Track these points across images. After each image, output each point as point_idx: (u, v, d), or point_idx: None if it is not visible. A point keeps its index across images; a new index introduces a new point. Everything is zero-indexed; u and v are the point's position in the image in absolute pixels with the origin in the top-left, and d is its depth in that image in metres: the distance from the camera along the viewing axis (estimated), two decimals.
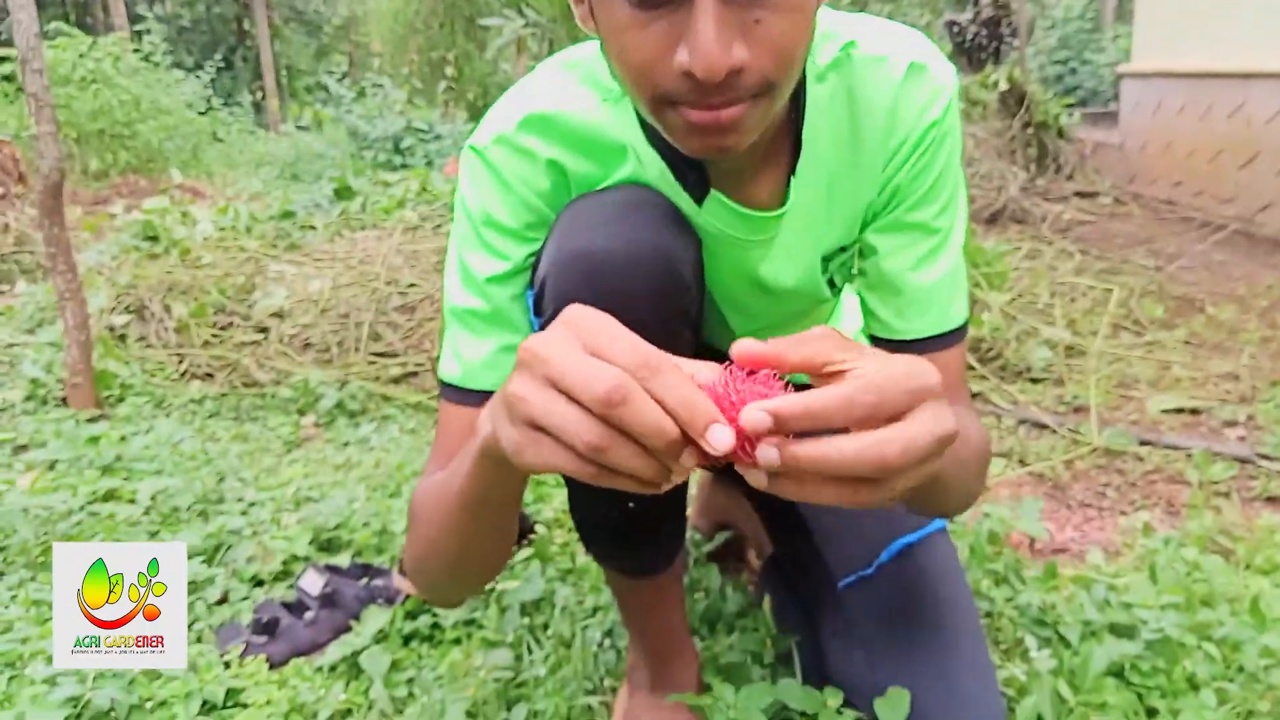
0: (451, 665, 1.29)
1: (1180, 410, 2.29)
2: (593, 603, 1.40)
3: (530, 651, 1.30)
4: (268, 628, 1.38)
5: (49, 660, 1.25)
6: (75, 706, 1.15)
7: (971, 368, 2.51)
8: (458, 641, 1.37)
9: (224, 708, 1.22)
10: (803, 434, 0.51)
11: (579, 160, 0.86)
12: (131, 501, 1.84)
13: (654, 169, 0.86)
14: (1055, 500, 1.87)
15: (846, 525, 1.09)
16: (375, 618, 1.38)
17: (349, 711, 1.23)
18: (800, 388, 0.52)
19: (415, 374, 2.71)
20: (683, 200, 0.87)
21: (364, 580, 1.50)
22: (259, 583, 1.60)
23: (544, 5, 5.43)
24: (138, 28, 11.29)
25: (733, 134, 0.70)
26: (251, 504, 1.87)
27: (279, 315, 3.01)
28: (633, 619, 1.13)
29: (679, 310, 0.81)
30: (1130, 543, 1.60)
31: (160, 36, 9.88)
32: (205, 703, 1.21)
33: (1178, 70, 5.01)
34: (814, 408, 0.50)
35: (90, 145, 7.85)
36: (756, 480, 0.53)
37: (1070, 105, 6.14)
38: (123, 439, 2.21)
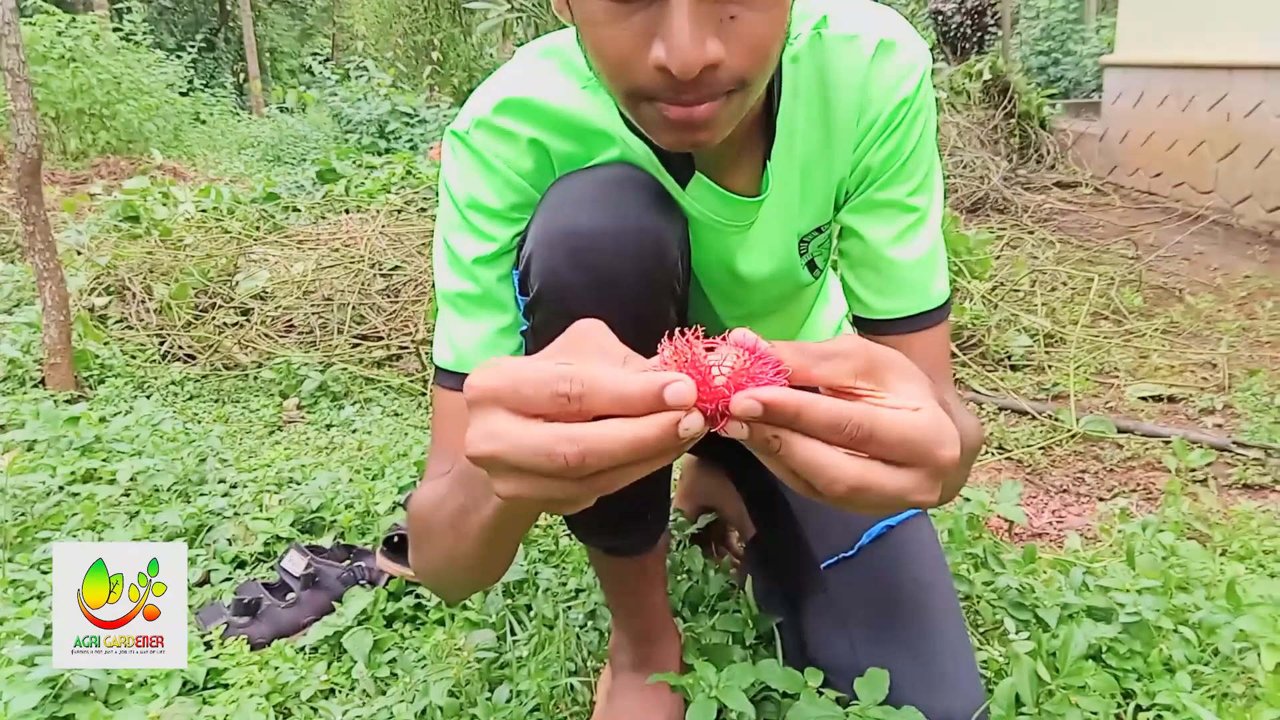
0: (434, 646, 1.29)
1: (1158, 398, 2.32)
2: (575, 584, 1.41)
3: (513, 632, 1.30)
4: (249, 608, 1.37)
5: (26, 640, 1.24)
6: (54, 687, 1.15)
7: (953, 355, 2.52)
8: (441, 622, 1.37)
9: (205, 688, 1.22)
10: None
11: (560, 140, 0.86)
12: (111, 482, 1.83)
13: (638, 152, 0.86)
14: (1034, 485, 1.89)
15: (829, 507, 1.09)
16: (358, 599, 1.38)
17: (331, 692, 1.24)
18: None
19: (399, 356, 2.70)
20: (667, 182, 0.87)
21: (347, 561, 1.50)
22: (241, 564, 1.60)
23: None
24: (117, 6, 11.14)
25: (706, 130, 0.70)
26: (233, 485, 1.87)
27: (261, 297, 2.99)
28: (616, 599, 1.13)
29: (665, 288, 0.81)
30: (1108, 528, 1.62)
31: (141, 17, 9.73)
32: (186, 683, 1.21)
33: (1160, 61, 5.04)
34: (804, 414, 0.48)
35: (69, 125, 7.74)
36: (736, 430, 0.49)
37: (1053, 96, 6.17)
38: (102, 420, 2.19)
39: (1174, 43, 4.94)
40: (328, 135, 8.25)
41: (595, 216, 0.78)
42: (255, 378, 2.58)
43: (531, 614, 1.34)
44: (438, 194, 0.91)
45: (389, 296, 2.95)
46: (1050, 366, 2.50)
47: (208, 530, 1.66)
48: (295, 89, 10.09)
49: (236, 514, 1.74)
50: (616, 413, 0.47)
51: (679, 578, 1.38)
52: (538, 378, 0.48)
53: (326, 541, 1.61)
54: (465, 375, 0.84)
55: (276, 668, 1.26)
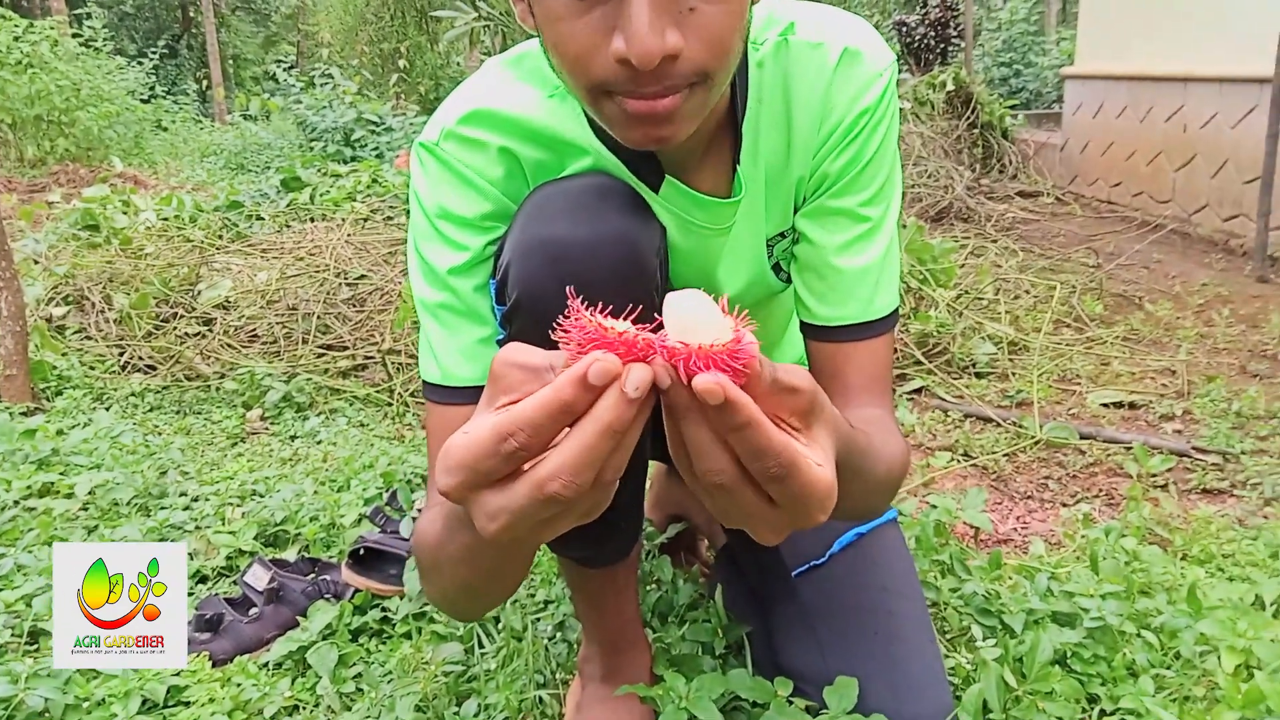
0: (401, 660, 1.28)
1: (1119, 404, 2.35)
2: (544, 596, 1.40)
3: (481, 645, 1.29)
4: (211, 624, 1.35)
5: None
6: (6, 708, 1.12)
7: (919, 362, 2.55)
8: (407, 636, 1.35)
9: (165, 706, 1.20)
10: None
11: (530, 149, 0.86)
12: (69, 496, 1.79)
13: (608, 161, 0.86)
14: (998, 492, 1.91)
15: None
16: (323, 613, 1.36)
17: (295, 708, 1.21)
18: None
19: (364, 366, 2.67)
20: (640, 189, 0.87)
21: (311, 575, 1.48)
22: (202, 578, 1.57)
23: None
24: (77, 11, 10.97)
25: (669, 124, 0.70)
26: (195, 498, 1.84)
27: (224, 307, 2.95)
28: (587, 610, 1.12)
29: (643, 296, 0.81)
30: (1071, 533, 1.64)
31: (101, 23, 9.60)
32: (145, 701, 1.19)
33: (1119, 73, 5.14)
34: (748, 429, 0.46)
35: (26, 131, 7.61)
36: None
37: (1014, 106, 6.27)
38: (60, 432, 2.15)
39: (1132, 55, 5.03)
40: (292, 143, 8.18)
41: (572, 225, 0.78)
42: (218, 389, 2.54)
43: (499, 626, 1.33)
44: (406, 204, 0.91)
45: (355, 306, 2.92)
46: (1014, 374, 2.53)
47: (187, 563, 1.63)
48: (259, 96, 10.01)
49: (198, 527, 1.71)
50: (565, 425, 0.46)
51: (648, 587, 1.38)
52: (483, 450, 0.47)
53: (291, 555, 1.58)
54: (452, 389, 0.86)
55: (239, 684, 1.23)
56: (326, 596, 1.43)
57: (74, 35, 9.06)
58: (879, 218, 0.90)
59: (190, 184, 6.91)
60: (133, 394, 2.52)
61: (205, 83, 16.14)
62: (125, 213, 3.79)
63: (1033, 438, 2.10)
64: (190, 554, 1.61)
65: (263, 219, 4.04)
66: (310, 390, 2.49)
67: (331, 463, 2.02)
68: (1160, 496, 1.81)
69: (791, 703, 0.99)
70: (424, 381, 0.88)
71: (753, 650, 1.16)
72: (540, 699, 1.18)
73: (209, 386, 2.57)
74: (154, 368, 2.70)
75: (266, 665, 1.30)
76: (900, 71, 7.81)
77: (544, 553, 1.48)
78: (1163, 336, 2.85)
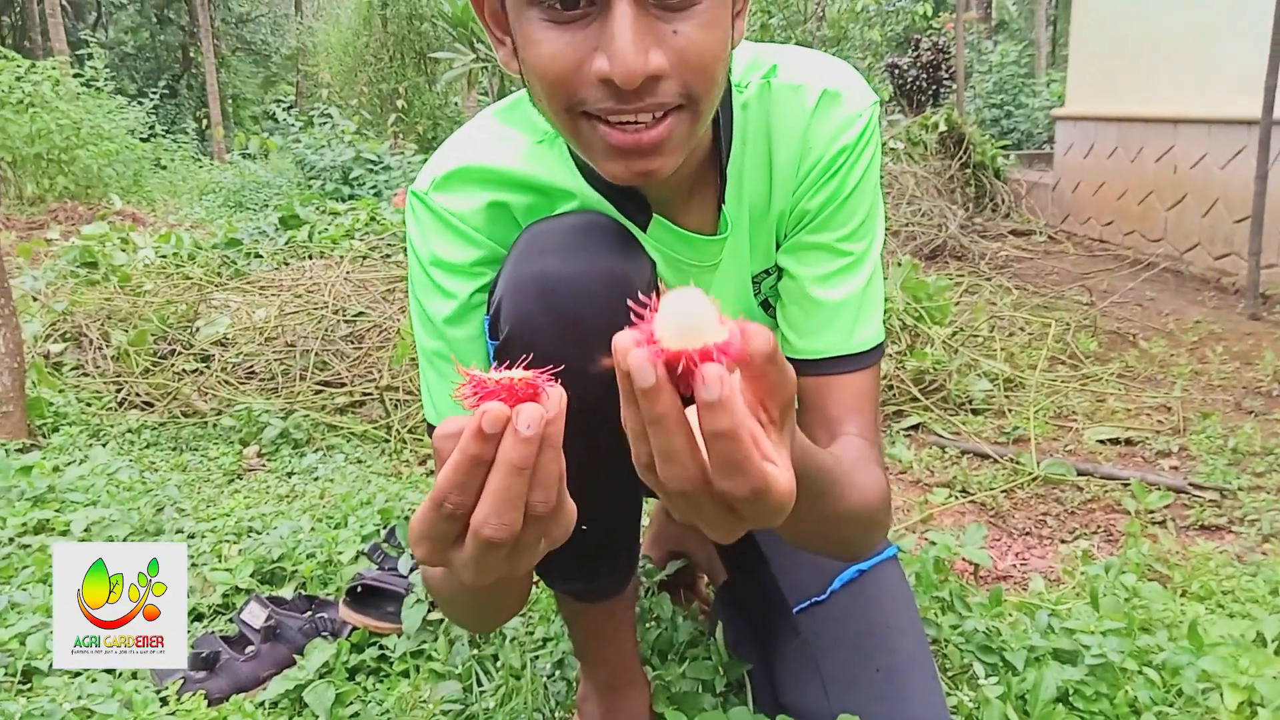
0: (399, 699, 1.27)
1: (1115, 441, 2.36)
2: (542, 634, 1.39)
3: (480, 683, 1.28)
4: (207, 662, 1.34)
5: None
6: None
7: (915, 399, 2.55)
8: (405, 674, 1.34)
9: None
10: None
11: (518, 196, 0.88)
12: (65, 533, 1.78)
13: (593, 203, 0.87)
14: (997, 528, 1.91)
15: (800, 552, 1.10)
16: (320, 651, 1.35)
17: None
18: None
19: (362, 403, 2.67)
20: (630, 227, 0.88)
21: (308, 613, 1.47)
22: (199, 616, 1.56)
23: None
24: (79, 52, 11.10)
25: (656, 156, 0.71)
26: (191, 535, 1.83)
27: (222, 343, 2.95)
28: (585, 646, 1.12)
29: None
30: (1070, 570, 1.64)
31: (102, 63, 9.70)
32: None
33: (1109, 114, 5.21)
34: (733, 440, 0.47)
35: (26, 169, 7.65)
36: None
37: (1006, 147, 6.34)
38: (56, 469, 2.14)
39: (1122, 97, 5.11)
40: (291, 182, 8.23)
41: (563, 261, 0.79)
42: (215, 425, 2.54)
43: (498, 664, 1.32)
44: (403, 242, 0.94)
45: (353, 343, 2.92)
46: (1010, 410, 2.53)
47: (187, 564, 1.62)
48: (258, 135, 10.07)
49: (194, 565, 1.70)
50: (483, 475, 0.50)
51: (647, 625, 1.37)
52: (430, 519, 0.53)
53: (287, 592, 1.57)
54: None
55: None
56: (324, 634, 1.42)
57: (75, 75, 9.14)
58: (860, 253, 0.91)
59: (189, 222, 6.94)
60: (129, 430, 2.51)
61: (205, 122, 16.28)
62: (124, 250, 3.81)
63: (1030, 474, 2.10)
64: (188, 590, 1.60)
65: (261, 256, 4.06)
66: (308, 427, 2.49)
67: (329, 499, 2.01)
68: (1159, 533, 1.81)
69: None
70: (427, 423, 0.92)
71: (754, 688, 1.15)
72: None
73: (206, 423, 2.56)
74: (151, 404, 2.70)
75: (263, 704, 1.29)
76: (892, 113, 7.89)
77: (543, 589, 1.48)
78: (1157, 373, 2.87)
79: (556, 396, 0.50)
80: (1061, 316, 3.30)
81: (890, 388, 2.60)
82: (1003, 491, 2.05)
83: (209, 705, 1.27)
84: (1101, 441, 2.34)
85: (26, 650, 1.36)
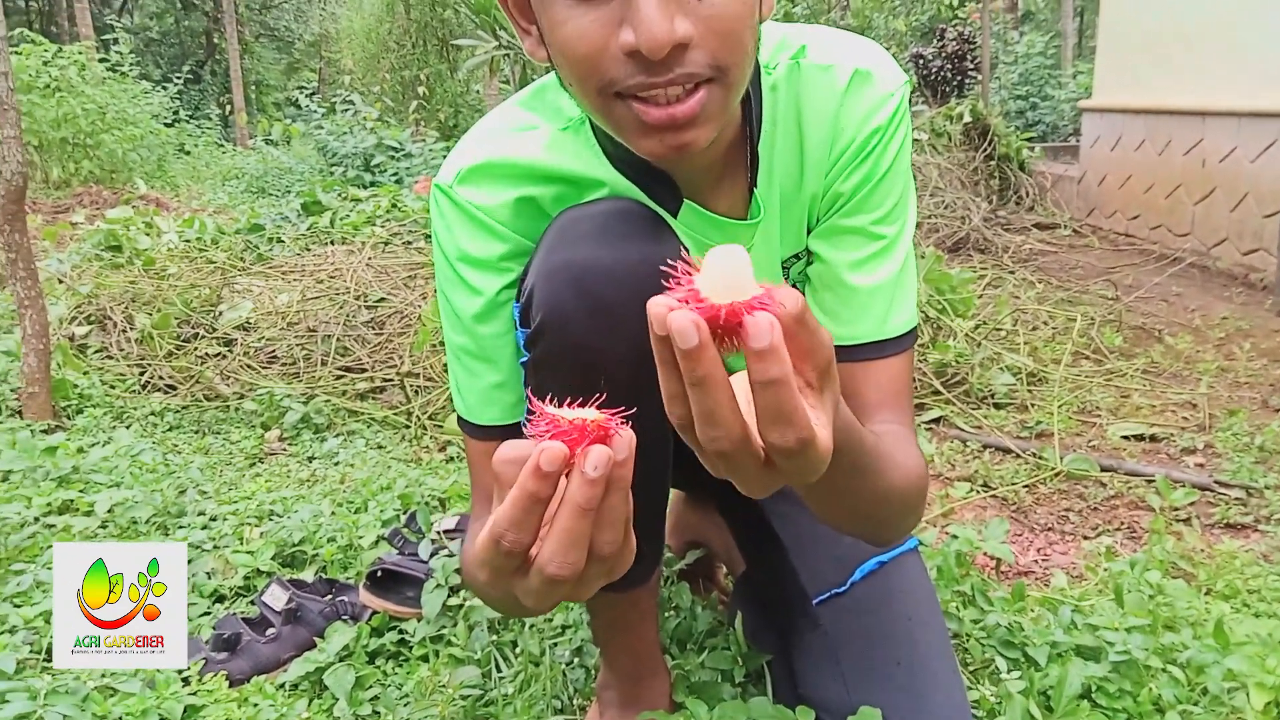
0: (418, 683, 1.27)
1: (1140, 437, 2.33)
2: (561, 620, 1.39)
3: (499, 669, 1.28)
4: (228, 644, 1.35)
5: (2, 675, 1.21)
6: None
7: (937, 392, 2.54)
8: (425, 659, 1.35)
9: None
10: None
11: (545, 188, 0.87)
12: (88, 514, 1.80)
13: (623, 190, 0.86)
14: (1018, 523, 1.89)
15: (821, 542, 1.09)
16: (340, 634, 1.36)
17: None
18: None
19: (383, 389, 2.68)
20: (660, 213, 0.87)
21: (329, 596, 1.48)
22: (220, 598, 1.57)
23: None
24: (105, 37, 11.18)
25: (690, 129, 0.71)
26: (213, 518, 1.84)
27: (244, 328, 2.97)
28: (606, 635, 1.12)
29: None
30: (1093, 566, 1.62)
31: (128, 48, 9.76)
32: None
33: (1137, 106, 5.14)
34: (779, 392, 0.47)
35: (52, 154, 7.72)
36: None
37: (1031, 139, 6.28)
38: (80, 450, 2.16)
39: (1150, 89, 5.04)
40: (313, 168, 8.26)
41: (596, 248, 0.78)
42: (237, 409, 2.56)
43: (517, 650, 1.32)
44: (425, 228, 0.93)
45: (374, 328, 2.93)
46: (1033, 405, 2.51)
47: (187, 563, 1.63)
48: (281, 122, 10.12)
49: (216, 547, 1.71)
50: (541, 513, 0.51)
51: (667, 614, 1.37)
52: (489, 552, 0.53)
53: (308, 575, 1.58)
54: (477, 426, 0.90)
55: (256, 705, 1.23)
56: (344, 618, 1.43)
57: (101, 60, 9.20)
58: (893, 236, 0.90)
59: (212, 207, 6.99)
60: (153, 413, 2.54)
61: (228, 108, 16.36)
62: (148, 234, 3.83)
63: (1053, 469, 2.08)
64: (208, 573, 1.61)
65: (283, 242, 4.08)
66: (329, 412, 2.50)
67: (349, 484, 2.02)
68: (1183, 530, 1.79)
69: None
70: (457, 415, 0.93)
71: (773, 679, 1.15)
72: None
73: (228, 407, 2.58)
74: (174, 387, 2.72)
75: (283, 686, 1.29)
76: (917, 103, 7.83)
77: None
78: (1183, 370, 2.83)
79: (626, 440, 0.50)
80: (1086, 311, 3.26)
81: (912, 371, 2.58)
82: (1025, 486, 2.03)
83: (230, 686, 1.28)
84: (1125, 437, 2.32)
85: (51, 629, 1.37)
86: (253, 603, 1.50)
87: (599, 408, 0.51)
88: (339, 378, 2.70)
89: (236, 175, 9.26)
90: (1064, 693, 1.08)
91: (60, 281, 3.35)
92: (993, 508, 1.97)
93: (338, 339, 2.82)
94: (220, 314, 3.04)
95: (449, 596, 1.40)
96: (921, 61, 8.53)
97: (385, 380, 2.69)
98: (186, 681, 1.27)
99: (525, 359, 0.84)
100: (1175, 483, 1.98)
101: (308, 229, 4.32)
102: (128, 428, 2.42)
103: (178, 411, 2.57)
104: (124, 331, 2.94)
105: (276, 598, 1.43)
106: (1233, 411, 2.42)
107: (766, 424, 0.48)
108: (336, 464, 2.20)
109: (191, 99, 16.38)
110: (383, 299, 3.06)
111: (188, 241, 3.81)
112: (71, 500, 1.85)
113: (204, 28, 19.79)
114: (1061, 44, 11.36)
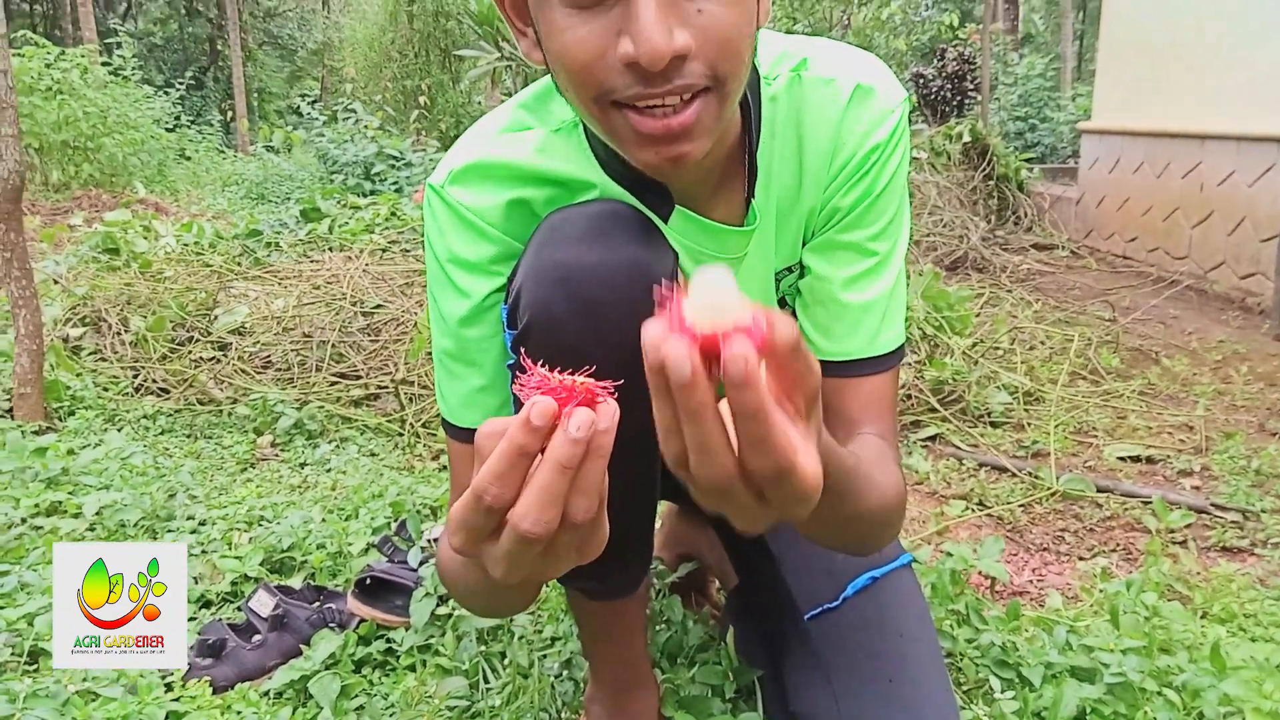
0: (405, 693, 1.25)
1: (1136, 458, 2.32)
2: (550, 632, 1.38)
3: (486, 680, 1.27)
4: (213, 649, 1.33)
5: None
6: None
7: (934, 409, 2.53)
8: (411, 668, 1.33)
9: None
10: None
11: (537, 190, 0.86)
12: (76, 515, 1.78)
13: (613, 194, 0.86)
14: (1014, 543, 1.88)
15: (813, 557, 1.08)
16: (326, 642, 1.34)
17: None
18: None
19: (377, 396, 2.67)
20: (651, 218, 0.87)
21: (316, 603, 1.46)
22: (206, 603, 1.55)
23: None
24: (108, 41, 11.20)
25: (686, 140, 0.70)
26: (202, 522, 1.82)
27: (240, 332, 2.95)
28: (594, 646, 1.10)
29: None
30: (1089, 587, 1.61)
31: (131, 52, 9.78)
32: None
33: (1136, 129, 5.16)
34: (763, 420, 0.47)
35: (52, 156, 7.72)
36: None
37: (1030, 160, 6.30)
38: (70, 452, 2.15)
39: (1149, 112, 5.06)
40: (313, 175, 8.26)
41: (584, 250, 0.78)
42: (229, 414, 2.54)
43: (505, 661, 1.31)
44: (422, 237, 0.92)
45: (370, 335, 2.92)
46: (1030, 424, 2.50)
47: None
48: (282, 129, 10.14)
49: (204, 551, 1.69)
50: (525, 469, 0.51)
51: (657, 627, 1.36)
52: (469, 509, 0.53)
53: (296, 582, 1.57)
54: (459, 429, 0.89)
55: (239, 712, 1.21)
56: (331, 625, 1.41)
57: (103, 64, 9.22)
58: (886, 252, 0.90)
59: (211, 212, 6.98)
60: (145, 416, 2.52)
61: (230, 114, 16.39)
62: (146, 238, 3.82)
63: (1049, 489, 2.07)
64: (195, 578, 1.60)
65: (281, 248, 4.07)
66: (322, 418, 2.48)
67: (341, 491, 2.01)
68: (1179, 553, 1.78)
69: None
70: (441, 418, 0.92)
71: (764, 694, 1.14)
72: None
73: (221, 411, 2.56)
74: (167, 391, 2.71)
75: (268, 694, 1.28)
76: (917, 122, 7.87)
77: (553, 587, 1.46)
78: (1180, 392, 2.83)
79: (611, 410, 0.51)
80: (1083, 331, 3.26)
81: (909, 397, 2.58)
82: (1020, 506, 2.02)
83: (214, 693, 1.26)
84: (1122, 458, 2.31)
85: (34, 631, 1.36)
86: (239, 608, 1.49)
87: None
88: (333, 384, 2.68)
89: (237, 181, 9.27)
90: (1059, 714, 1.07)
91: (56, 283, 3.34)
92: (988, 526, 1.96)
93: (333, 345, 2.81)
94: (216, 318, 3.03)
95: (438, 606, 1.38)
96: (922, 81, 8.57)
97: (379, 387, 2.67)
98: (169, 687, 1.25)
99: (513, 361, 0.83)
100: (1172, 504, 1.97)
101: (306, 235, 4.31)
102: (119, 430, 2.40)
103: (170, 415, 2.55)
104: (118, 334, 2.92)
105: (263, 604, 1.41)
106: (1229, 434, 2.41)
107: (748, 451, 0.49)
108: (328, 470, 2.18)
109: (193, 105, 16.40)
110: (379, 306, 3.05)
111: (185, 245, 3.80)
112: (60, 502, 1.83)
113: (208, 34, 19.86)
114: (1061, 66, 11.43)
